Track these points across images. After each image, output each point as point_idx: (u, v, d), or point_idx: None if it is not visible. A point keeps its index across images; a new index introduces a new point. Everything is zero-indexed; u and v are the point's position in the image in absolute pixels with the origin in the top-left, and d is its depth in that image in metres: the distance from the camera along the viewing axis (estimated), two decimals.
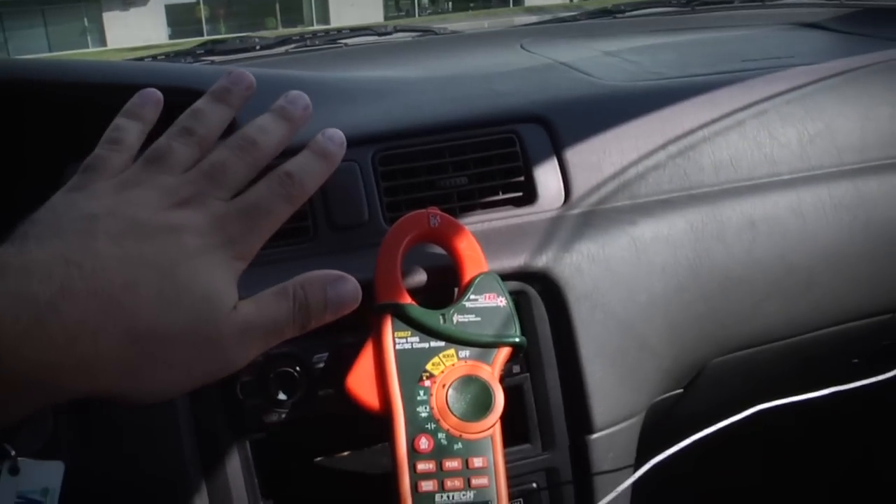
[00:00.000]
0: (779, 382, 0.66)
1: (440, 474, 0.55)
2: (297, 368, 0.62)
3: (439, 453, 0.55)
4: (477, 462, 0.55)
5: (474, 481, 0.55)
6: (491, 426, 0.56)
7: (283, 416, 0.62)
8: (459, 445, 0.55)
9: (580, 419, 0.65)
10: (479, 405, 0.56)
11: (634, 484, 0.65)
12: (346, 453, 0.66)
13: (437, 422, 0.55)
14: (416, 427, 0.55)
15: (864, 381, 0.67)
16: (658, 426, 0.73)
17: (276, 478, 0.65)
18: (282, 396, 0.61)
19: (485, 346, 0.57)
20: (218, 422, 0.62)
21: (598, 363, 0.65)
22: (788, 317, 0.75)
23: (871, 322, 0.82)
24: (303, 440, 0.64)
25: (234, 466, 0.63)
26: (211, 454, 0.62)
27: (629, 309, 0.66)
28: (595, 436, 0.65)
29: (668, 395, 0.75)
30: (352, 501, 0.64)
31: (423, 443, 0.55)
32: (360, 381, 0.57)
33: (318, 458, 0.65)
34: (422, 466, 0.55)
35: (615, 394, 0.66)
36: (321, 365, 0.62)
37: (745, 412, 0.60)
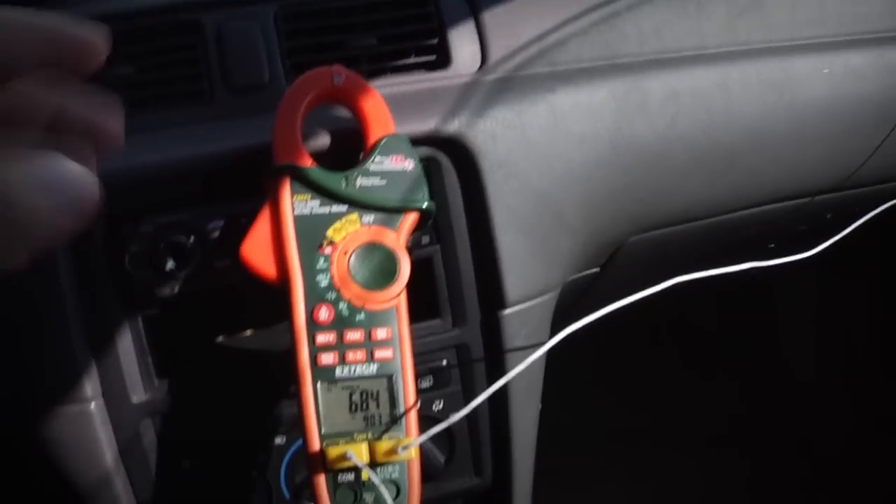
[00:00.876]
0: (697, 266, 0.65)
1: (341, 346, 0.52)
2: (191, 238, 0.57)
3: (340, 324, 0.52)
4: (380, 333, 0.52)
5: (377, 354, 0.52)
6: (395, 296, 0.53)
7: (176, 288, 0.58)
8: (362, 316, 0.52)
9: (492, 294, 0.62)
10: (383, 273, 0.52)
11: (549, 361, 0.64)
12: (247, 331, 0.63)
13: (337, 291, 0.52)
14: (315, 296, 0.52)
15: (780, 260, 0.66)
16: (576, 307, 0.72)
17: (173, 357, 0.61)
18: (171, 266, 0.57)
19: (390, 210, 0.53)
20: (106, 297, 0.58)
21: (512, 234, 0.62)
22: (709, 195, 0.73)
23: (790, 206, 0.81)
24: (200, 317, 0.60)
25: (126, 345, 0.59)
26: (100, 332, 0.58)
27: (545, 179, 0.63)
28: (507, 311, 0.63)
29: (584, 272, 0.73)
30: (253, 380, 0.61)
31: (323, 313, 0.52)
32: (256, 249, 0.53)
33: (218, 337, 0.62)
34: (321, 338, 0.52)
35: (529, 267, 0.63)
36: (216, 233, 0.58)
37: (661, 284, 0.59)
